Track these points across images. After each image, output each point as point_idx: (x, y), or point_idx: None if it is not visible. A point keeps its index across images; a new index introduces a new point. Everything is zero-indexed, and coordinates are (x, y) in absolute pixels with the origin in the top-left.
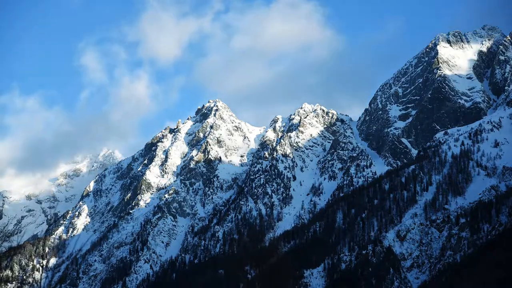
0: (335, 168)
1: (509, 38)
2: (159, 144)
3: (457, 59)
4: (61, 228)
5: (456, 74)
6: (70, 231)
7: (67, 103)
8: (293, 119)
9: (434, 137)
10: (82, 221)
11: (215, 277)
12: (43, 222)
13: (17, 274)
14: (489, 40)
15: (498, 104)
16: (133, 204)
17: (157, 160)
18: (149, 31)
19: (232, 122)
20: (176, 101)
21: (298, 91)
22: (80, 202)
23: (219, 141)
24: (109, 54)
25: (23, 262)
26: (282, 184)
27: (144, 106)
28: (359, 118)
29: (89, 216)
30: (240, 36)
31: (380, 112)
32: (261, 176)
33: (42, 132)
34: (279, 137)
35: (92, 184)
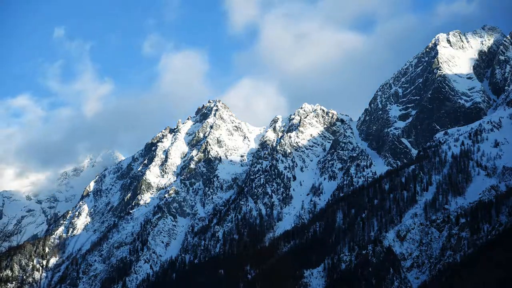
0: (335, 168)
1: (509, 38)
2: (159, 144)
3: (457, 59)
4: (61, 228)
5: (456, 74)
6: (70, 231)
7: (120, 76)
8: (293, 119)
9: (434, 137)
10: (82, 221)
11: (215, 277)
12: (43, 222)
13: (17, 274)
14: (489, 40)
15: (498, 104)
16: (133, 204)
17: (157, 160)
18: None
19: (232, 122)
20: (236, 78)
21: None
22: (80, 202)
23: (219, 141)
24: (167, 18)
25: (23, 262)
26: (282, 184)
27: (199, 83)
28: (359, 118)
29: (89, 216)
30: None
31: (380, 112)
32: (261, 176)
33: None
34: (279, 137)
35: (92, 184)
